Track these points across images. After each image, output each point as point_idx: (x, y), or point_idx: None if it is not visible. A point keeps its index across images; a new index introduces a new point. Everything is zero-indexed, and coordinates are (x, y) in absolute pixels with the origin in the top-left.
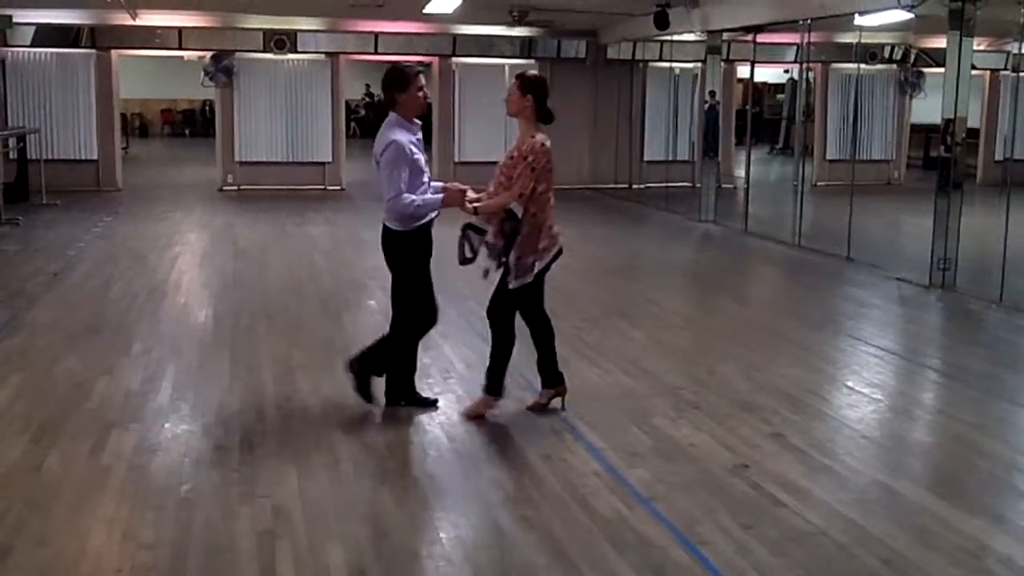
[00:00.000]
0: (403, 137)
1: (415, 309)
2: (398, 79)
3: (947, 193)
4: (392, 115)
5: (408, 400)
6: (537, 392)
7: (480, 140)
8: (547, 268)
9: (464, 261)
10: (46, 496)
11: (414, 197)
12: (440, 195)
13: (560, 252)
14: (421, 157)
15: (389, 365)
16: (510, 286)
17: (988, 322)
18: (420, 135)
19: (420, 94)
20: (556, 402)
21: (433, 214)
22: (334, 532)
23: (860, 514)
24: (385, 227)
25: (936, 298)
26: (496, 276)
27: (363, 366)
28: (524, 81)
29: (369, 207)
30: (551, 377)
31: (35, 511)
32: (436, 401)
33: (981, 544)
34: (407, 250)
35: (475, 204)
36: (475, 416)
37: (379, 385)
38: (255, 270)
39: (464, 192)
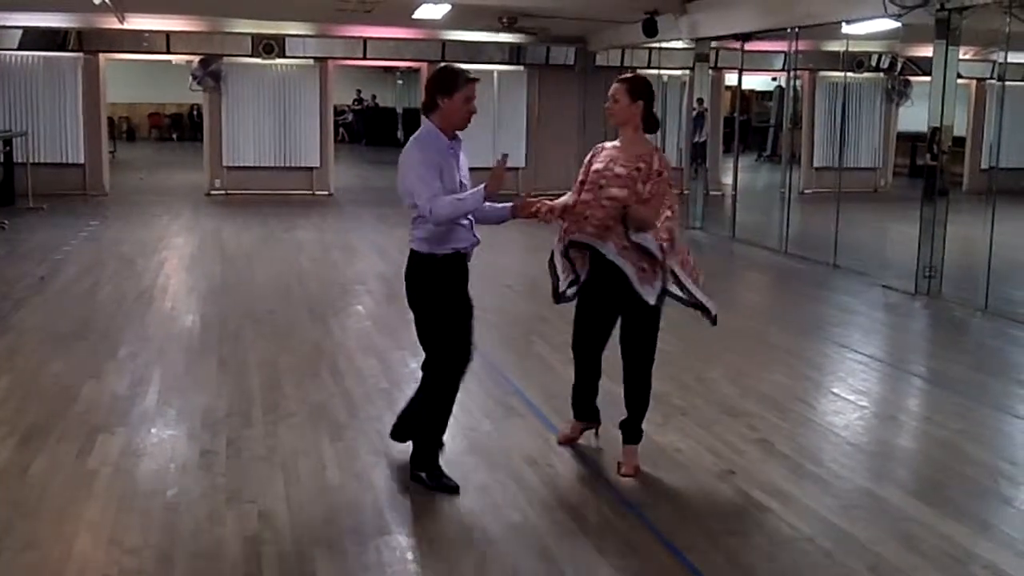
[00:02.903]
0: (428, 145)
1: (445, 352)
2: (444, 79)
3: (933, 201)
4: (425, 124)
5: (430, 474)
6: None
7: (469, 146)
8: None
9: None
10: (32, 500)
11: (452, 197)
12: (479, 188)
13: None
14: (456, 171)
15: (426, 425)
16: (699, 296)
17: (973, 329)
18: (459, 152)
19: (466, 104)
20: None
21: (474, 240)
22: (320, 538)
23: (846, 520)
24: (413, 253)
25: (922, 305)
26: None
27: (419, 456)
28: (633, 85)
29: (357, 212)
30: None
31: (21, 515)
32: (457, 488)
33: (966, 550)
34: (434, 278)
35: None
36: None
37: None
38: (243, 275)
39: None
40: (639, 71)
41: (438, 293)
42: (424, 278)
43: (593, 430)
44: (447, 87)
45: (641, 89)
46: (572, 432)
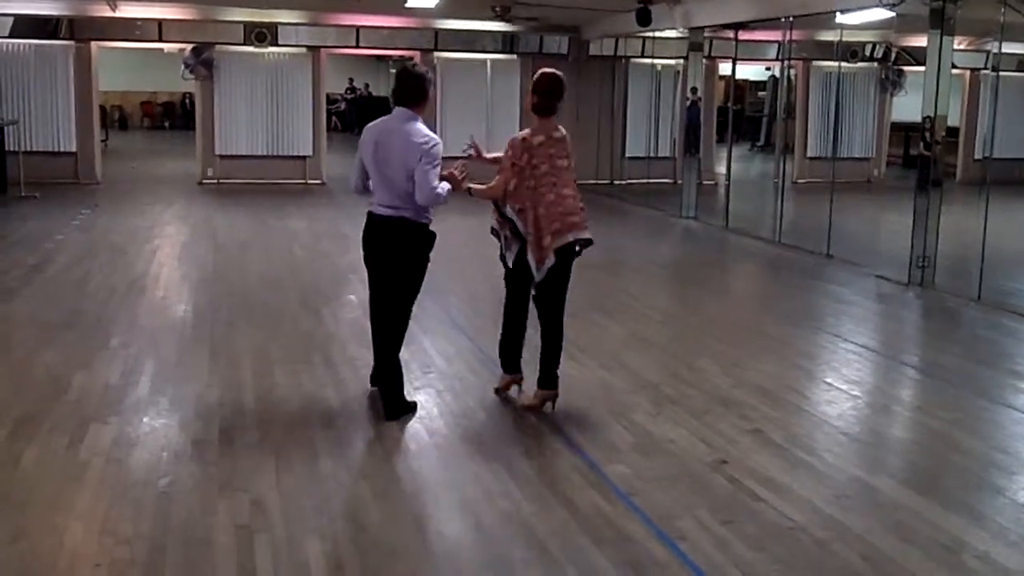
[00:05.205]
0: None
1: (413, 296)
2: (429, 80)
3: (926, 191)
4: (408, 111)
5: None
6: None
7: (462, 135)
8: (569, 257)
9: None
10: (23, 491)
11: (444, 185)
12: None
13: (586, 242)
14: None
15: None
16: (536, 278)
17: (966, 319)
18: None
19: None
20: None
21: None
22: (312, 526)
23: (839, 510)
24: (410, 222)
25: (915, 295)
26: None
27: (391, 392)
28: (533, 80)
29: (349, 201)
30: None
31: (12, 506)
32: (415, 404)
33: (958, 539)
34: (428, 244)
35: (471, 186)
36: (533, 408)
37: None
38: (235, 264)
39: (457, 175)
40: (633, 60)
41: (426, 255)
42: (420, 243)
43: (518, 384)
44: (428, 88)
45: (532, 81)
46: (500, 384)
